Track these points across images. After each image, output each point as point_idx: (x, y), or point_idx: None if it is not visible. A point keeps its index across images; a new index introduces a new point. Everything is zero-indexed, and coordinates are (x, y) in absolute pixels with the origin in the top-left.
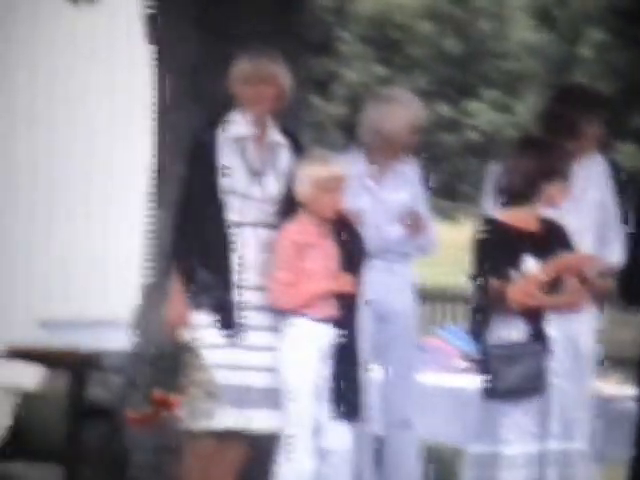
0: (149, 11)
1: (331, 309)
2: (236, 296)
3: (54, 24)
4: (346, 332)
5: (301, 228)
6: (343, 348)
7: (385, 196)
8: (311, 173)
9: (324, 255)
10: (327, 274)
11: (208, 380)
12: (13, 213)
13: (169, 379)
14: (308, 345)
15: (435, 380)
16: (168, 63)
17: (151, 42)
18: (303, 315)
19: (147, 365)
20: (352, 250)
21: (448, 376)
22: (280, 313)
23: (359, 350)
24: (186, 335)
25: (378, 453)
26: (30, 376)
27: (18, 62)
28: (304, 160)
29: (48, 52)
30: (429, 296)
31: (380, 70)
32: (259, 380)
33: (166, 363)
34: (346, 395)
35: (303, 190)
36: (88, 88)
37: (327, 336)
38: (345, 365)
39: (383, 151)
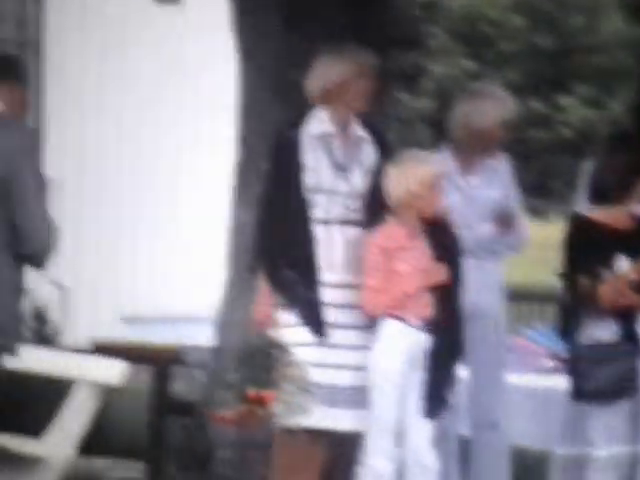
0: (234, 9)
1: (425, 309)
2: (321, 294)
3: (141, 24)
4: (442, 330)
5: (390, 232)
6: (439, 346)
7: (475, 193)
8: (407, 174)
9: (415, 256)
10: (419, 273)
11: (301, 376)
12: (99, 212)
13: (262, 376)
14: (398, 350)
15: (521, 380)
16: (251, 60)
17: (235, 39)
18: (396, 318)
19: (238, 363)
20: (447, 249)
21: (535, 376)
22: (372, 318)
23: (455, 348)
24: (273, 333)
25: (464, 455)
26: (114, 371)
27: (108, 63)
28: (398, 161)
29: (135, 52)
30: (517, 295)
31: (470, 65)
32: (345, 379)
33: (257, 361)
34: (436, 392)
35: (398, 192)
36: (174, 87)
37: (419, 341)
38: (439, 363)
39: (473, 147)
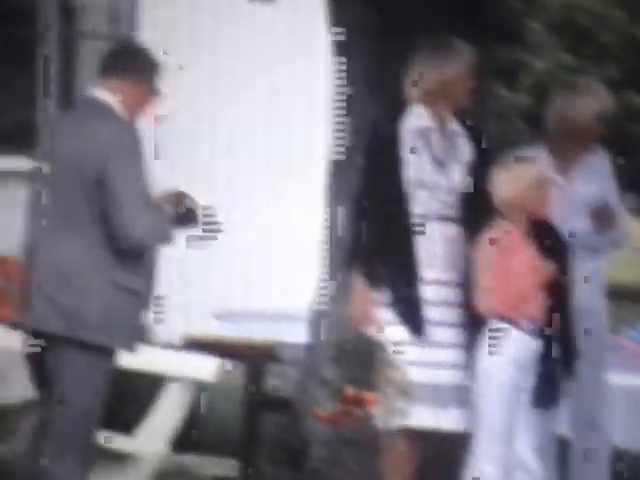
0: (329, 5)
1: (537, 310)
2: (420, 292)
3: (233, 20)
4: (554, 331)
5: (502, 231)
6: (550, 347)
7: (573, 190)
8: (515, 177)
9: (528, 256)
10: (531, 272)
11: (402, 378)
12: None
13: (362, 377)
14: (508, 356)
15: (622, 381)
16: (347, 54)
17: (330, 35)
18: (508, 321)
19: (336, 362)
20: (555, 248)
21: (636, 377)
22: (484, 317)
23: (566, 349)
24: (371, 332)
25: (564, 456)
26: (208, 368)
27: (200, 60)
28: (505, 162)
29: (228, 48)
30: (619, 295)
31: (569, 59)
32: (445, 377)
33: (357, 360)
34: (546, 390)
35: (507, 195)
36: (269, 83)
37: (530, 346)
38: (550, 364)
39: (570, 143)
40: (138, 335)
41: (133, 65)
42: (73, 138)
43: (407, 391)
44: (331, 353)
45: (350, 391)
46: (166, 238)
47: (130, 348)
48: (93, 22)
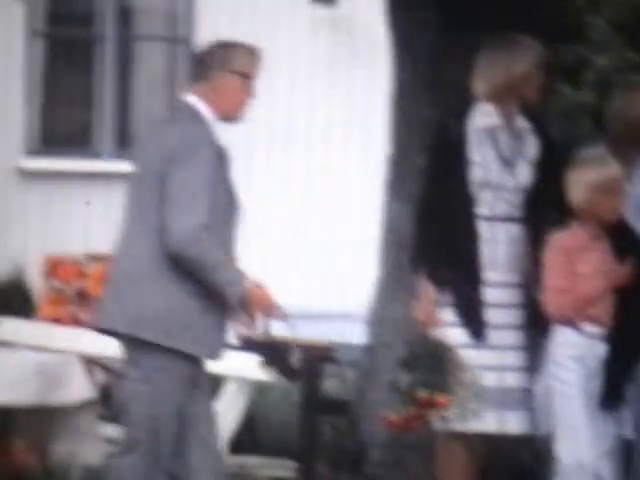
0: (388, 3)
1: (605, 314)
2: (483, 294)
3: (293, 21)
4: (623, 334)
5: (572, 232)
6: (618, 350)
7: (633, 189)
8: (587, 179)
9: (597, 258)
10: (600, 275)
11: (474, 380)
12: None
13: (434, 379)
14: (575, 361)
15: None
16: (406, 54)
17: (390, 33)
18: (572, 326)
19: (406, 366)
20: (628, 250)
21: None
22: (551, 320)
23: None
24: (435, 334)
25: (628, 457)
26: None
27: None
28: (576, 163)
29: (287, 49)
30: None
31: (633, 56)
32: (510, 381)
33: (428, 363)
34: (613, 391)
35: (578, 197)
36: (329, 80)
37: (596, 350)
38: (617, 366)
39: (630, 141)
40: (208, 338)
41: (219, 65)
42: (150, 141)
43: (479, 392)
44: (400, 356)
45: (423, 394)
46: (209, 261)
47: (198, 351)
48: (150, 23)
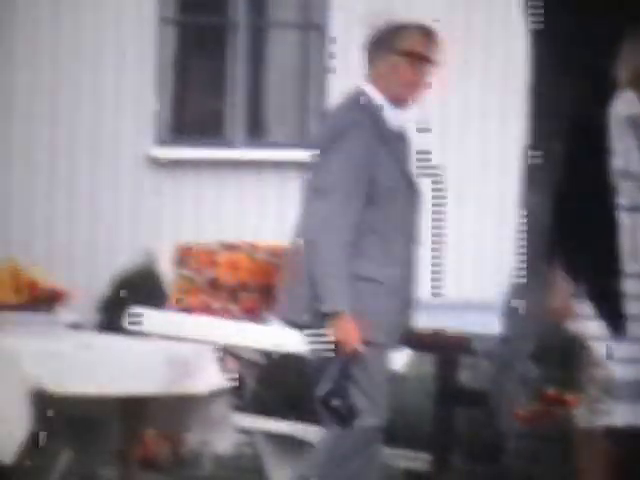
0: None
1: None
2: (622, 286)
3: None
4: None
5: None
6: None
7: None
8: None
9: None
10: None
11: (606, 377)
12: None
13: (564, 376)
14: None
15: None
16: (543, 41)
17: (526, 20)
18: None
19: (536, 360)
20: None
21: None
22: None
23: None
24: (571, 327)
25: None
26: (398, 358)
27: None
28: None
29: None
30: None
31: None
32: None
33: (559, 358)
34: None
35: None
36: (463, 72)
37: None
38: None
39: None
40: (387, 326)
41: (386, 47)
42: (316, 132)
43: (611, 390)
44: (530, 349)
45: (551, 391)
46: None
47: (378, 338)
48: (283, 10)
